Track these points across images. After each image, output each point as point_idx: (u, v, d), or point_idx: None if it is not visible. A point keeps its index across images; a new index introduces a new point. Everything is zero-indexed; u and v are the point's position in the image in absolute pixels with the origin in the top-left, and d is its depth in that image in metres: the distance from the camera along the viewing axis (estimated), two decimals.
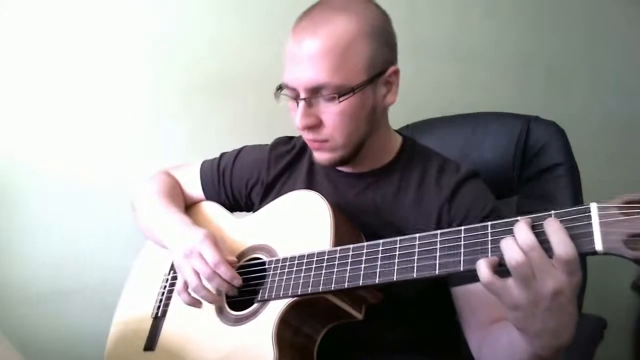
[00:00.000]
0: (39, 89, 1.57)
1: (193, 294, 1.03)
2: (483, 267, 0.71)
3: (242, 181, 1.22)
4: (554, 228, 0.68)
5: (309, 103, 0.97)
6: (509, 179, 1.41)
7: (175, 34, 1.67)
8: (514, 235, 0.70)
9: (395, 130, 1.15)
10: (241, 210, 1.23)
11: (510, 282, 0.71)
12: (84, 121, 1.61)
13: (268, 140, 1.27)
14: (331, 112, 0.97)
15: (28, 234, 1.58)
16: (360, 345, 1.03)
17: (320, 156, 1.03)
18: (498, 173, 1.38)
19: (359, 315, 0.96)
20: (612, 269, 2.02)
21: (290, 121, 1.14)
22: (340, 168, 1.11)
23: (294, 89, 0.98)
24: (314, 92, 0.96)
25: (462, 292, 0.97)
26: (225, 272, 0.99)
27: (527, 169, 1.40)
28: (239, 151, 1.26)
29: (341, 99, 0.95)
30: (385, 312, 1.01)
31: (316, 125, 0.99)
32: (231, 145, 1.32)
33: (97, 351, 1.30)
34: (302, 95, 0.97)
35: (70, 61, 1.58)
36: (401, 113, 1.64)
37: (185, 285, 1.02)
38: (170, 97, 1.67)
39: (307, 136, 1.01)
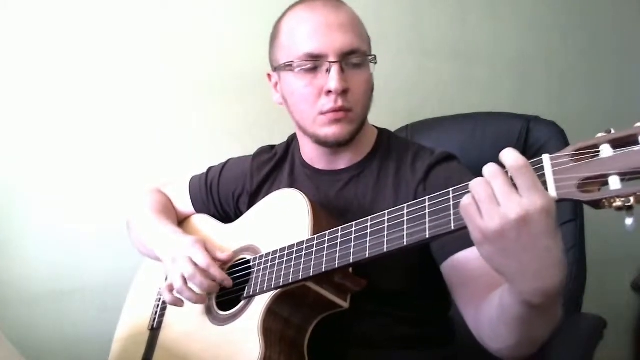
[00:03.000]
0: (39, 89, 1.57)
1: (176, 294, 1.05)
2: (466, 196, 0.71)
3: (229, 193, 1.25)
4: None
5: (342, 68, 1.00)
6: None
7: (179, 35, 1.67)
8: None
9: (373, 126, 1.17)
10: (232, 221, 1.24)
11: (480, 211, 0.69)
12: (84, 122, 1.61)
13: (268, 142, 1.28)
14: (358, 79, 1.03)
15: (28, 235, 1.58)
16: (355, 342, 1.04)
17: (342, 129, 1.04)
18: None
19: (344, 304, 0.97)
20: (612, 269, 2.02)
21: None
22: (319, 167, 1.13)
23: (318, 57, 1.01)
24: (345, 56, 1.01)
25: (450, 266, 0.97)
26: (216, 274, 1.02)
27: None
28: (224, 164, 1.29)
29: (369, 63, 1.04)
30: (379, 309, 1.03)
31: (346, 91, 1.01)
32: (233, 146, 1.33)
33: (96, 351, 1.31)
34: (334, 59, 1.00)
35: (71, 63, 1.59)
36: (401, 113, 1.65)
37: (170, 287, 1.05)
38: (169, 98, 1.68)
39: (336, 103, 1.01)
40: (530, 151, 1.39)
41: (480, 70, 1.96)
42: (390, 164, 1.10)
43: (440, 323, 1.12)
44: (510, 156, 0.67)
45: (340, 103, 1.01)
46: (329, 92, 1.00)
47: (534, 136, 1.39)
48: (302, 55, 1.02)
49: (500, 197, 0.67)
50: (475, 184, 0.69)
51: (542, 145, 1.37)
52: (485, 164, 0.72)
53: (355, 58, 1.02)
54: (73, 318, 1.62)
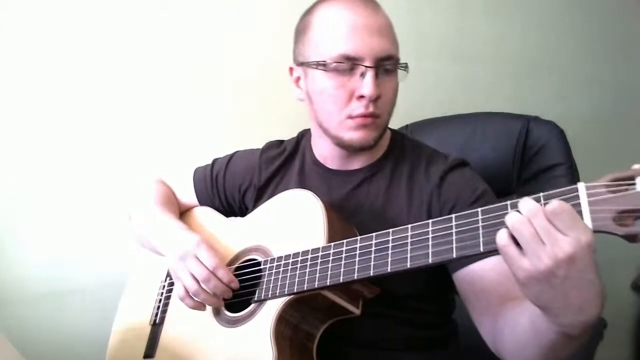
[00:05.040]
0: (38, 88, 1.57)
1: (195, 298, 1.02)
2: (504, 233, 0.69)
3: (235, 186, 1.22)
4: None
5: (376, 74, 0.98)
6: (508, 178, 1.41)
7: (180, 34, 1.67)
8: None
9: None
10: (236, 215, 1.23)
11: (523, 251, 0.68)
12: (84, 122, 1.61)
13: (266, 140, 1.27)
14: (389, 86, 1.01)
15: (28, 235, 1.58)
16: (358, 342, 1.03)
17: (368, 134, 1.01)
18: (497, 173, 1.38)
19: (357, 311, 0.96)
20: (612, 269, 2.02)
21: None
22: (332, 167, 1.12)
23: (354, 60, 0.98)
24: (380, 62, 0.98)
25: (464, 277, 0.95)
26: (223, 275, 0.99)
27: (527, 169, 1.40)
28: (231, 156, 1.26)
29: (400, 71, 1.02)
30: (383, 310, 1.02)
31: (378, 97, 0.99)
32: (233, 145, 1.32)
33: (96, 351, 1.30)
34: (370, 64, 0.97)
35: (69, 61, 1.58)
36: (401, 113, 1.64)
37: (187, 291, 1.02)
38: (170, 98, 1.67)
39: (367, 110, 0.99)
40: (529, 151, 1.39)
41: (480, 70, 1.96)
42: (404, 167, 1.08)
43: (444, 325, 1.11)
44: (529, 205, 0.67)
45: (371, 109, 0.99)
46: (361, 96, 0.98)
47: (533, 136, 1.39)
48: (337, 55, 0.97)
49: (544, 237, 0.66)
50: (516, 223, 0.67)
51: (542, 145, 1.37)
52: (485, 164, 0.72)
53: (389, 64, 1.00)
54: (73, 318, 1.62)
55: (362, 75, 0.97)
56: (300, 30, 1.06)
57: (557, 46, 2.05)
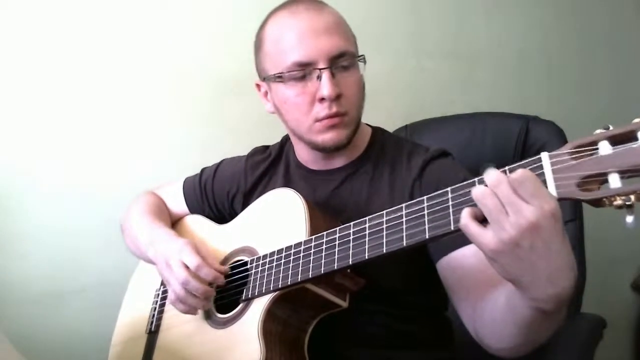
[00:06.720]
0: (39, 90, 1.57)
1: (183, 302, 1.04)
2: (464, 212, 0.70)
3: (223, 193, 1.25)
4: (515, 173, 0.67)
5: (332, 73, 0.99)
6: None
7: (181, 35, 1.67)
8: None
9: (366, 124, 1.16)
10: (227, 221, 1.24)
11: (487, 227, 0.68)
12: (84, 122, 1.61)
13: (270, 141, 1.28)
14: (350, 82, 1.02)
15: (28, 235, 1.58)
16: (354, 341, 1.03)
17: (339, 134, 1.03)
18: None
19: (344, 304, 0.97)
20: (612, 269, 2.02)
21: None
22: (314, 167, 1.13)
23: (307, 65, 0.99)
24: (334, 60, 1.00)
25: (446, 264, 0.96)
26: (207, 273, 1.01)
27: None
28: (218, 165, 1.29)
29: (358, 63, 1.03)
30: (379, 308, 1.03)
31: (339, 96, 1.00)
32: (234, 146, 1.33)
33: (96, 351, 1.31)
34: (324, 65, 0.99)
35: (71, 63, 1.59)
36: (401, 113, 1.65)
37: (176, 295, 1.04)
38: (172, 98, 1.68)
39: (331, 110, 1.00)
40: (529, 151, 1.39)
41: (480, 70, 1.96)
42: (385, 161, 1.09)
43: (439, 322, 1.12)
44: (493, 176, 0.67)
45: (334, 109, 1.00)
46: (322, 99, 0.99)
47: (533, 136, 1.39)
48: (290, 65, 1.00)
49: (508, 207, 0.66)
50: (480, 195, 0.68)
51: (542, 145, 1.37)
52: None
53: (344, 61, 1.01)
54: (73, 318, 1.62)
55: (319, 77, 0.99)
56: (257, 47, 1.09)
57: (557, 46, 2.05)
